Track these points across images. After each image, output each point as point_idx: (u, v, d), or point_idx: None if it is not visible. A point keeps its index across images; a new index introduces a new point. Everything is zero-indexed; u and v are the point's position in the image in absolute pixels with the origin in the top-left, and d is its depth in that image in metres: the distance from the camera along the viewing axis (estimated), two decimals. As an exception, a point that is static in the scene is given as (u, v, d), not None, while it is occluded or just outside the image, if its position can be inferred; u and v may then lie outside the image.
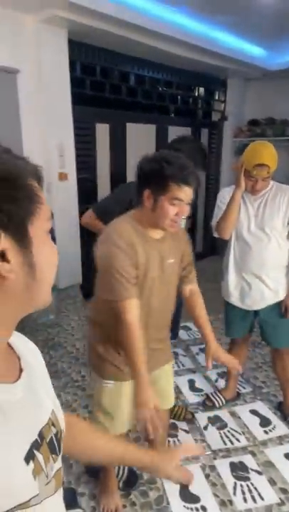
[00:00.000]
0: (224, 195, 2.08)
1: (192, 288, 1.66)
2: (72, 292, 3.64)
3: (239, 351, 2.37)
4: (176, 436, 2.18)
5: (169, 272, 1.48)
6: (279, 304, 2.10)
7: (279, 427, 2.25)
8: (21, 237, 0.47)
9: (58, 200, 3.39)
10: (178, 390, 2.60)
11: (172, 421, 2.28)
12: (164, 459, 0.91)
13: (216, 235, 2.12)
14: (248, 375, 2.75)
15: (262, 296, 2.08)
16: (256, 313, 2.18)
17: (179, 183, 1.29)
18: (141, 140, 4.28)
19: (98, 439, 0.86)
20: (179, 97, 4.81)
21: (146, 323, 1.46)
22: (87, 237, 3.64)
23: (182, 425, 2.27)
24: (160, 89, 4.49)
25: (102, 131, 3.85)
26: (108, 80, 3.85)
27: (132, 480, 1.87)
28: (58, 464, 0.60)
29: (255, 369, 2.84)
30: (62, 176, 3.42)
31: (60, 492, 0.61)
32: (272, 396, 2.53)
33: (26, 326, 3.06)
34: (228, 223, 2.00)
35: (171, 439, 2.15)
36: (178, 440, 2.15)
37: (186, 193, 1.32)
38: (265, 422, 2.29)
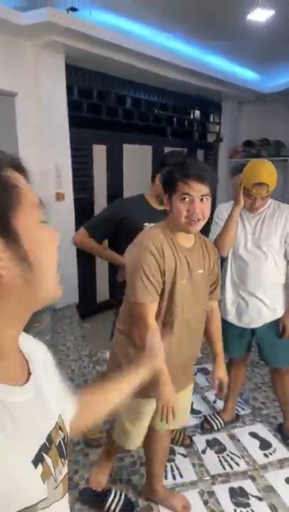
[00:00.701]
0: (222, 210, 2.08)
1: (213, 305, 1.69)
2: (69, 312, 3.60)
3: (237, 371, 2.33)
4: (173, 460, 2.12)
5: (198, 283, 1.48)
6: (277, 322, 2.08)
7: (279, 450, 2.19)
8: (6, 232, 0.45)
9: (55, 220, 3.39)
10: (175, 412, 2.54)
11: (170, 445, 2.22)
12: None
13: None
14: (247, 396, 2.70)
15: (259, 314, 2.06)
16: (254, 331, 2.15)
17: (185, 179, 1.35)
18: (137, 161, 4.34)
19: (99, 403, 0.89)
20: (174, 119, 4.90)
21: (181, 338, 1.47)
22: (84, 258, 3.64)
23: (180, 449, 2.20)
24: (156, 111, 4.58)
25: (99, 152, 3.90)
26: (105, 103, 3.93)
27: (128, 509, 1.80)
28: (66, 468, 0.59)
29: (254, 389, 2.79)
30: (60, 196, 3.44)
31: (67, 498, 0.60)
32: (272, 418, 2.47)
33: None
34: (226, 240, 1.99)
35: (168, 464, 2.08)
36: (175, 465, 2.09)
37: (193, 187, 1.35)
38: (265, 445, 2.23)
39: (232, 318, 2.14)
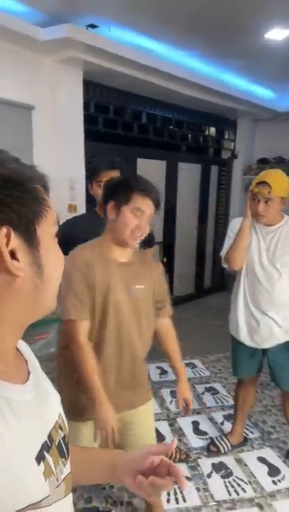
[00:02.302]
0: (235, 224, 2.06)
1: (164, 322, 1.61)
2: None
3: (247, 392, 2.26)
4: (176, 483, 2.04)
5: (138, 298, 1.43)
6: None
7: (289, 478, 2.10)
8: (30, 237, 0.50)
9: (67, 232, 3.41)
10: (181, 433, 2.47)
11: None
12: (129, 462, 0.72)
13: (225, 265, 2.08)
14: (256, 419, 2.61)
15: (271, 334, 2.00)
16: (265, 352, 2.09)
17: (142, 194, 1.35)
18: (151, 175, 4.32)
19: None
20: (189, 135, 4.93)
21: (120, 353, 1.42)
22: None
23: (184, 471, 2.13)
24: (171, 127, 4.61)
25: (113, 166, 3.93)
26: (120, 118, 3.97)
27: None
28: (68, 468, 0.60)
29: (263, 412, 2.70)
30: (72, 208, 3.46)
31: (70, 497, 0.62)
32: (281, 443, 2.38)
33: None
34: (237, 253, 1.96)
35: (172, 487, 2.01)
36: (178, 488, 2.01)
37: (148, 205, 1.36)
38: (273, 471, 2.14)
39: (243, 337, 2.08)
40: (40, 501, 0.50)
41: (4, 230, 0.46)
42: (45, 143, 3.22)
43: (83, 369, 1.36)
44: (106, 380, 1.39)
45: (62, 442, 0.60)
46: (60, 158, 3.31)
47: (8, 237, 0.47)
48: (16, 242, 0.48)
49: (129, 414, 1.51)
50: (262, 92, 4.61)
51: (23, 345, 0.64)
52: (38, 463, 0.51)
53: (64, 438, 0.62)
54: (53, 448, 0.57)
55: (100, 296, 1.36)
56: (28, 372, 0.59)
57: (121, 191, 1.36)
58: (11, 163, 0.50)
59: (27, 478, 0.49)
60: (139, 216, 1.35)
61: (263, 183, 1.85)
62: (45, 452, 0.54)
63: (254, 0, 2.49)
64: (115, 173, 1.89)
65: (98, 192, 1.91)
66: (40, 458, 0.52)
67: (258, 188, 1.86)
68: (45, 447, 0.54)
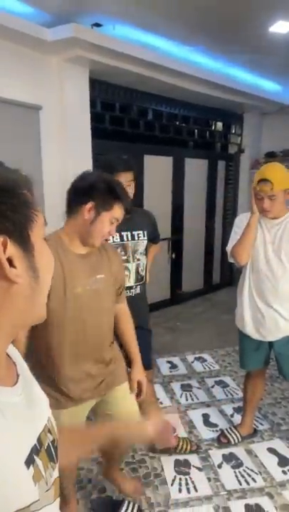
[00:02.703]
0: (241, 219, 2.07)
1: (122, 306, 1.66)
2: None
3: (255, 384, 2.29)
4: (188, 473, 2.08)
5: (99, 287, 1.46)
6: (295, 336, 2.03)
7: (298, 468, 2.12)
8: (25, 243, 0.50)
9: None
10: (191, 425, 2.51)
11: (184, 457, 2.19)
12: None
13: (231, 260, 2.09)
14: (265, 411, 2.64)
15: (277, 327, 2.02)
16: (272, 345, 2.11)
17: (122, 204, 1.41)
18: (158, 171, 4.37)
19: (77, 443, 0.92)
20: (196, 130, 4.93)
21: (84, 340, 1.44)
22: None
23: (195, 461, 2.17)
24: (177, 123, 4.62)
25: (121, 163, 3.96)
26: (127, 116, 3.99)
27: None
28: (56, 472, 0.60)
29: (273, 404, 2.73)
30: (81, 206, 3.50)
31: (58, 502, 0.61)
32: (291, 434, 2.41)
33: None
34: (243, 248, 1.98)
35: (183, 477, 2.06)
36: (190, 478, 2.05)
37: (122, 215, 1.44)
38: (283, 462, 2.16)
39: (249, 330, 2.11)
40: (28, 506, 0.50)
41: (1, 238, 0.46)
42: (53, 142, 3.26)
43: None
44: (78, 367, 1.44)
45: (51, 446, 0.60)
46: (67, 156, 3.34)
47: (4, 245, 0.47)
48: (12, 249, 0.48)
49: (109, 394, 1.57)
50: (268, 86, 4.59)
51: (10, 348, 0.64)
52: (28, 466, 0.51)
53: (53, 442, 0.61)
54: (43, 452, 0.56)
55: (56, 287, 1.34)
56: (17, 375, 0.59)
57: (105, 196, 1.37)
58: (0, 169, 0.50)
59: (16, 482, 0.49)
60: (114, 224, 1.42)
61: (264, 180, 1.86)
62: (34, 456, 0.53)
63: (258, -6, 2.50)
64: (130, 175, 1.94)
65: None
66: (29, 462, 0.52)
67: (260, 186, 1.87)
68: (35, 451, 0.54)
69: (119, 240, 1.99)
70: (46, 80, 3.15)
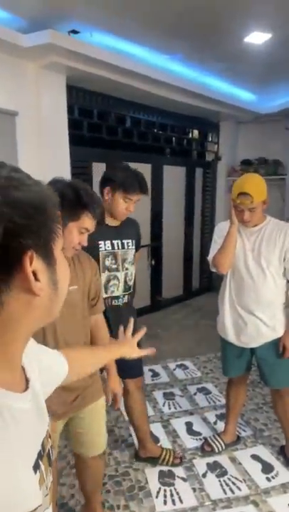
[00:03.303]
0: (220, 228, 2.08)
1: (98, 318, 1.63)
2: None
3: (237, 391, 2.29)
4: (172, 485, 2.05)
5: (73, 298, 1.42)
6: (277, 342, 2.04)
7: (282, 474, 2.12)
8: (48, 257, 0.51)
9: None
10: (175, 434, 2.48)
11: (168, 468, 2.16)
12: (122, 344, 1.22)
13: (213, 269, 2.09)
14: (248, 417, 2.64)
15: (258, 333, 2.03)
16: (253, 351, 2.12)
17: (92, 213, 1.34)
18: (137, 179, 4.37)
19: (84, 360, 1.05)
20: (173, 138, 4.96)
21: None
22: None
23: (179, 472, 2.14)
24: (155, 130, 4.64)
25: (99, 170, 3.92)
26: (105, 123, 3.98)
27: None
28: (51, 476, 0.61)
29: (255, 410, 2.73)
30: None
31: (51, 507, 0.62)
32: (274, 439, 2.41)
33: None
34: (225, 257, 1.98)
35: (167, 488, 2.02)
36: (175, 489, 2.02)
37: (92, 224, 1.38)
38: (267, 469, 2.16)
39: (231, 337, 2.11)
40: (35, 510, 0.51)
41: (29, 253, 0.47)
42: (30, 148, 3.20)
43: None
44: None
45: (50, 451, 0.61)
46: (45, 163, 3.29)
47: (31, 259, 0.48)
48: (37, 263, 0.49)
49: (82, 410, 1.54)
50: (244, 95, 4.68)
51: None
52: (35, 471, 0.52)
53: (51, 446, 0.63)
54: (45, 456, 0.57)
55: None
56: (27, 380, 0.60)
57: (71, 206, 1.30)
58: (28, 183, 0.50)
59: (26, 486, 0.50)
60: (84, 234, 1.37)
61: (244, 194, 1.87)
62: (39, 461, 0.54)
63: (234, 4, 2.54)
64: (142, 197, 1.93)
65: (119, 203, 1.89)
66: (36, 467, 0.53)
67: (240, 200, 1.88)
68: (40, 456, 0.55)
69: (110, 248, 1.95)
70: (23, 85, 3.09)
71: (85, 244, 1.39)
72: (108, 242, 1.93)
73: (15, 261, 0.47)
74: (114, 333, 1.60)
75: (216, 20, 2.78)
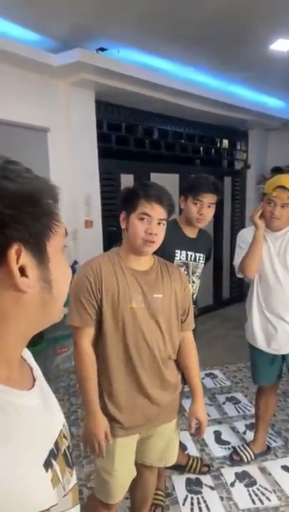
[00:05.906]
0: (245, 234, 2.09)
1: (185, 335, 1.55)
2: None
3: (268, 400, 2.24)
4: (200, 493, 2.03)
5: (156, 307, 1.40)
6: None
7: (314, 486, 2.05)
8: (40, 253, 0.49)
9: (84, 246, 3.50)
10: (203, 443, 2.45)
11: (195, 476, 2.14)
12: None
13: (239, 275, 2.09)
14: (279, 428, 2.57)
15: None
16: (284, 358, 2.08)
17: (147, 198, 1.34)
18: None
19: None
20: (201, 148, 4.99)
21: (140, 359, 1.38)
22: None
23: (207, 481, 2.11)
24: (183, 141, 4.69)
25: (127, 181, 4.02)
26: (132, 135, 4.09)
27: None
28: (74, 479, 0.60)
29: (286, 421, 2.66)
30: (88, 224, 3.55)
31: (78, 508, 0.61)
32: (306, 451, 2.34)
33: (50, 373, 3.04)
34: (252, 261, 1.97)
35: (194, 496, 2.00)
36: (202, 497, 2.00)
37: (154, 209, 1.34)
38: (298, 480, 2.10)
39: (261, 343, 2.08)
40: (48, 509, 0.50)
41: (15, 246, 0.45)
42: (61, 162, 3.34)
43: (79, 374, 1.39)
44: (132, 387, 1.39)
45: (67, 451, 0.59)
46: (75, 176, 3.42)
47: (18, 254, 0.46)
48: (25, 258, 0.47)
49: (156, 428, 1.50)
50: (271, 102, 4.66)
51: (26, 353, 0.64)
52: (46, 469, 0.51)
53: (68, 447, 0.61)
54: (60, 456, 0.56)
55: (108, 301, 1.34)
56: (34, 379, 0.59)
57: (128, 200, 1.38)
58: (24, 176, 0.49)
59: (36, 484, 0.49)
60: (147, 222, 1.34)
61: (282, 187, 1.86)
62: (52, 460, 0.53)
63: (257, 13, 2.56)
64: (214, 197, 1.91)
65: (191, 206, 1.91)
66: (47, 465, 0.51)
67: (276, 192, 1.87)
68: (52, 455, 0.54)
69: (184, 258, 1.95)
70: (54, 103, 3.25)
71: (154, 231, 1.33)
72: (184, 253, 1.94)
73: None
74: None
75: (240, 29, 2.82)
